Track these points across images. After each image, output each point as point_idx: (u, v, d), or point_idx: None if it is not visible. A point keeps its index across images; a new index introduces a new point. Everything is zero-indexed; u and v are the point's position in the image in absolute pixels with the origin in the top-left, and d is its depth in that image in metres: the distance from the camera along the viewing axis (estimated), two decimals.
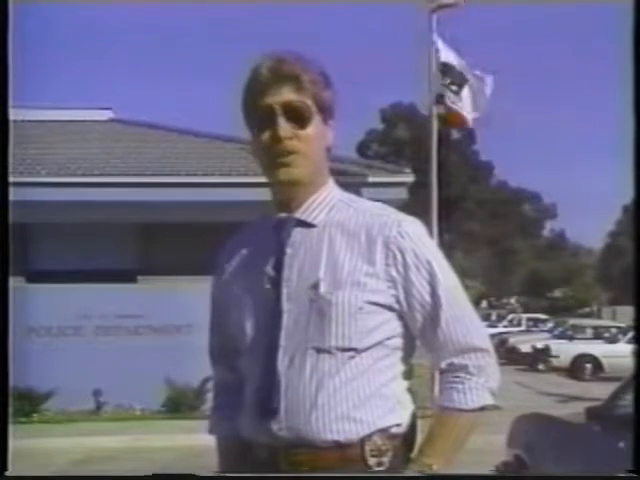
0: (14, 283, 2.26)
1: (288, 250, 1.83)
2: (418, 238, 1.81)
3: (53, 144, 14.34)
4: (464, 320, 1.83)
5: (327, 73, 1.87)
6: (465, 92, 13.10)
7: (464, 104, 13.11)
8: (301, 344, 1.77)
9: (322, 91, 1.83)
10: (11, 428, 2.42)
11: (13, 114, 2.47)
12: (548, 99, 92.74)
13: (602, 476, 3.70)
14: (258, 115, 1.81)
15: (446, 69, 13.06)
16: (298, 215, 1.85)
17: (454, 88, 13.01)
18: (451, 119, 13.60)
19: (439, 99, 13.22)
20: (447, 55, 13.11)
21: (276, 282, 1.81)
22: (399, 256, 1.78)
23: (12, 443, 2.40)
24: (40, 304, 12.01)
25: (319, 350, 1.76)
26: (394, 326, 1.81)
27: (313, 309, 1.76)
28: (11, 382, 2.47)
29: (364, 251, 1.79)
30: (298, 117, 1.79)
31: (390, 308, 1.79)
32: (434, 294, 1.80)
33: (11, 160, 2.45)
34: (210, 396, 2.13)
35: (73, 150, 14.12)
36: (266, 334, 1.80)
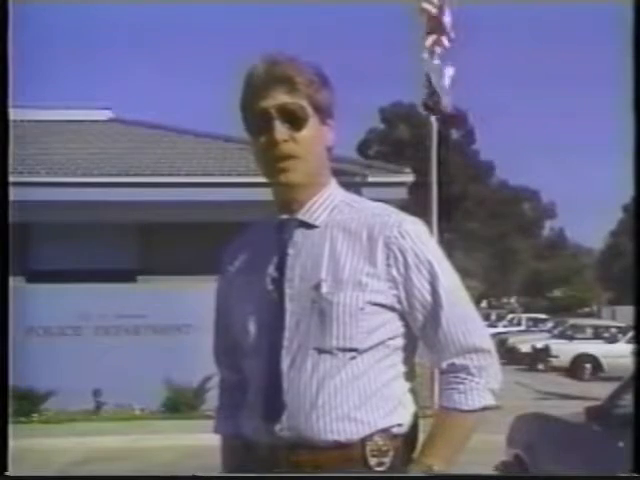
0: (14, 283, 2.26)
1: (290, 251, 1.83)
2: (419, 238, 1.81)
3: (53, 144, 14.33)
4: (465, 320, 1.82)
5: (323, 73, 1.86)
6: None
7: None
8: (303, 344, 1.77)
9: (318, 92, 1.82)
10: (11, 428, 2.42)
11: (13, 114, 2.47)
12: (548, 99, 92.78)
13: (602, 476, 3.70)
14: (254, 119, 1.81)
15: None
16: (300, 216, 1.85)
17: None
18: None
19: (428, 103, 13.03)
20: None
21: (278, 283, 1.81)
22: (400, 256, 1.78)
23: (12, 443, 2.40)
24: (40, 304, 12.00)
25: (320, 350, 1.75)
26: (395, 326, 1.81)
27: (315, 310, 1.76)
28: (11, 382, 2.47)
29: (365, 251, 1.79)
30: (294, 119, 1.78)
31: (391, 308, 1.79)
32: (435, 294, 1.79)
33: (11, 160, 2.45)
34: (210, 396, 2.14)
35: (73, 150, 14.12)
36: (269, 335, 1.80)
